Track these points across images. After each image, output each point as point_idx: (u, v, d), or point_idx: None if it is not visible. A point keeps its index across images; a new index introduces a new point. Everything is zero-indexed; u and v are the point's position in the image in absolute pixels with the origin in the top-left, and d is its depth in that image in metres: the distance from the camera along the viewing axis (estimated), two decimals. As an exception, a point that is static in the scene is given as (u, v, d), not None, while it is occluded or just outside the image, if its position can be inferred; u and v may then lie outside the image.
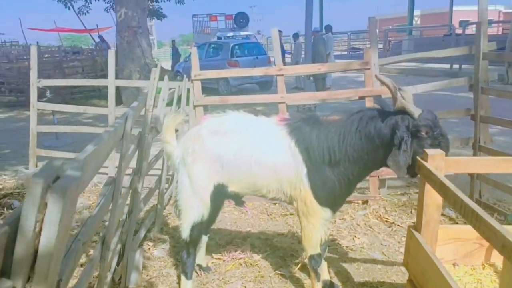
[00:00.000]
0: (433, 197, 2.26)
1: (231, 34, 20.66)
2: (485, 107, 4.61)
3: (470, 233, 2.45)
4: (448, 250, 2.49)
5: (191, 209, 2.91)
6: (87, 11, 19.48)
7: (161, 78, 4.82)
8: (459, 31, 20.29)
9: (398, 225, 4.29)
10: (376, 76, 2.50)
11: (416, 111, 2.45)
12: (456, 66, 16.24)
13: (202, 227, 3.00)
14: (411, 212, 4.59)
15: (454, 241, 2.48)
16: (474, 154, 4.76)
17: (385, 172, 4.81)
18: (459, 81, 4.77)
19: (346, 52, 27.80)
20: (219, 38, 19.65)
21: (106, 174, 5.57)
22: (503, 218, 4.31)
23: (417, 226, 2.38)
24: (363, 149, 2.59)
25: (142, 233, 3.82)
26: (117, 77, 6.36)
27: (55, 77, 12.62)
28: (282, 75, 4.82)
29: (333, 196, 2.75)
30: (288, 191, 2.81)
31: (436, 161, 2.21)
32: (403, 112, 2.47)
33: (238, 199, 3.15)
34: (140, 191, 3.02)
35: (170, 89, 4.55)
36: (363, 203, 4.78)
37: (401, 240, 3.99)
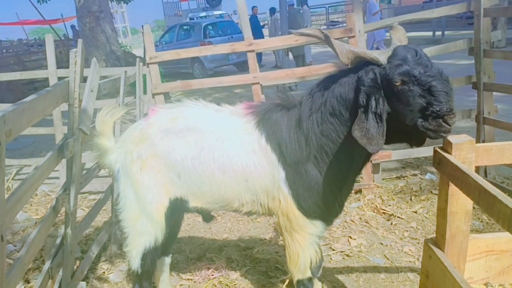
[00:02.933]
0: (460, 203, 1.62)
1: (203, 14, 19.61)
2: (489, 73, 3.99)
3: (506, 243, 1.83)
4: (478, 267, 1.87)
5: (140, 232, 2.23)
6: (46, 0, 18.12)
7: (134, 65, 4.08)
8: (439, -3, 19.70)
9: (398, 217, 3.69)
10: (292, 32, 1.81)
11: (381, 55, 1.70)
12: (438, 33, 15.65)
13: (157, 253, 2.32)
14: (410, 199, 4.01)
15: (486, 255, 1.86)
16: (478, 128, 4.18)
17: (378, 155, 4.20)
18: (457, 45, 4.12)
19: (325, 26, 26.95)
20: (191, 19, 18.62)
21: (58, 178, 4.86)
22: (515, 199, 3.75)
23: (438, 241, 1.75)
24: (336, 131, 1.87)
25: (92, 254, 3.12)
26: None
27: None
28: (253, 50, 4.10)
29: (324, 204, 2.06)
30: (265, 203, 2.14)
31: (464, 152, 1.56)
32: (367, 63, 1.74)
33: (205, 215, 2.48)
34: (72, 211, 2.32)
35: (129, 76, 3.81)
36: (356, 193, 4.17)
37: (403, 235, 3.40)
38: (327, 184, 2.01)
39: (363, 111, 1.70)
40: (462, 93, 7.15)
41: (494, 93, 4.07)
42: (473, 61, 3.99)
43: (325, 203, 2.06)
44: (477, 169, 4.20)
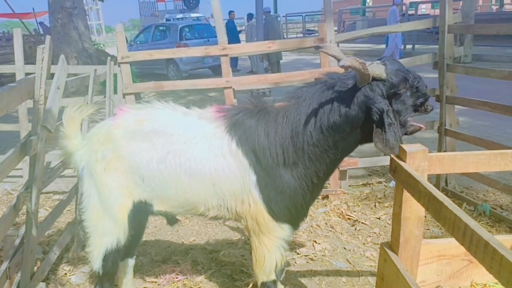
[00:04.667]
0: (413, 208, 1.70)
1: (180, 16, 19.51)
2: (451, 86, 4.18)
3: (456, 248, 1.93)
4: (430, 271, 1.97)
5: (102, 233, 2.21)
6: (18, -8, 17.59)
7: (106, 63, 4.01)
8: (411, 12, 20.35)
9: (362, 223, 3.80)
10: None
11: (382, 71, 1.88)
12: (409, 46, 16.18)
13: (119, 255, 2.30)
14: (374, 206, 4.13)
15: (438, 259, 1.96)
16: (440, 139, 4.35)
17: (346, 162, 4.31)
18: (422, 58, 4.29)
19: (301, 35, 27.34)
20: (167, 20, 18.49)
21: (21, 177, 4.72)
22: (472, 208, 3.94)
23: (392, 245, 1.83)
24: (328, 142, 1.99)
25: (54, 255, 3.05)
26: (53, 63, 5.27)
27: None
28: (226, 55, 4.13)
29: (294, 208, 2.12)
30: (233, 207, 2.16)
31: (418, 160, 1.65)
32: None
33: (169, 218, 2.48)
34: (34, 210, 2.27)
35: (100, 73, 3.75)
36: (323, 199, 4.25)
37: (366, 241, 3.50)
38: (300, 188, 2.08)
39: (377, 125, 1.88)
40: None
41: (457, 106, 4.26)
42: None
43: (296, 206, 2.12)
44: (438, 178, 4.38)
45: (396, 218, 1.76)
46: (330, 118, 1.94)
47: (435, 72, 4.23)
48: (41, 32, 19.29)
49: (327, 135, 1.97)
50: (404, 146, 1.68)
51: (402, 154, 1.68)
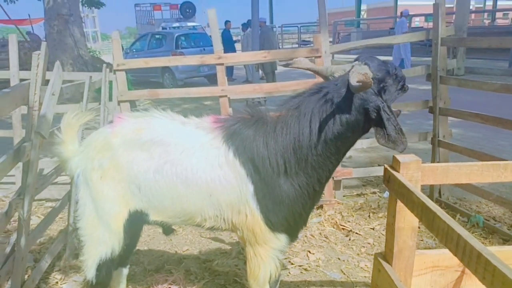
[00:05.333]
0: (407, 219, 1.71)
1: (176, 24, 19.59)
2: (444, 98, 4.23)
3: (450, 259, 1.93)
4: (424, 282, 1.96)
5: (97, 242, 2.19)
6: (15, 0, 17.53)
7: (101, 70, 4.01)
8: (405, 24, 20.65)
9: (356, 233, 3.80)
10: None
11: (368, 71, 1.93)
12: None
13: (113, 264, 2.28)
14: (369, 216, 4.14)
15: (432, 270, 1.95)
16: (433, 150, 4.39)
17: (340, 172, 4.32)
18: (415, 70, 4.35)
19: (297, 45, 27.59)
20: (164, 28, 18.57)
21: (14, 183, 4.67)
22: (466, 219, 3.96)
23: (386, 256, 1.83)
24: (331, 150, 2.03)
25: (45, 263, 3.01)
26: (48, 70, 5.19)
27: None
28: (222, 64, 4.15)
29: (292, 218, 2.12)
30: (229, 218, 2.15)
31: (411, 170, 1.66)
32: None
33: (165, 228, 2.46)
34: (26, 217, 2.24)
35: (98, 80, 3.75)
36: (317, 209, 4.25)
37: (360, 251, 3.50)
38: (301, 197, 2.08)
39: (376, 122, 1.95)
40: (421, 117, 7.51)
41: (450, 117, 4.30)
42: (432, 87, 4.22)
43: (294, 216, 2.11)
44: (432, 189, 4.40)
45: (390, 229, 1.76)
46: (334, 130, 1.98)
47: (428, 84, 4.28)
48: (28, 39, 19.03)
49: (329, 144, 2.01)
50: (397, 156, 1.69)
51: (395, 164, 1.69)
